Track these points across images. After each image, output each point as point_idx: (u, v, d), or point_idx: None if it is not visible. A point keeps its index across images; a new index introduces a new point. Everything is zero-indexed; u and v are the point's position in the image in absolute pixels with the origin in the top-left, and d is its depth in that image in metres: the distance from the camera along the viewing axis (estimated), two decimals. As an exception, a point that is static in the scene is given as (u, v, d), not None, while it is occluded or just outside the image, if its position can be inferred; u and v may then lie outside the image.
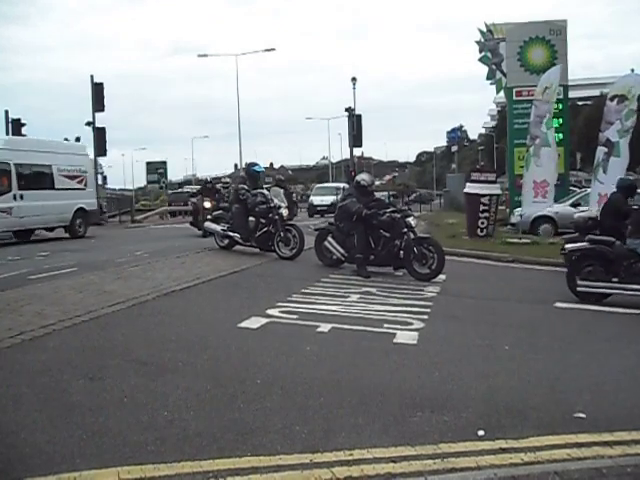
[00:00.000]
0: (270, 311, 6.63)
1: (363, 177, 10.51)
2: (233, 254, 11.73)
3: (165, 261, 10.68)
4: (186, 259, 10.98)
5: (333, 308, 7.00)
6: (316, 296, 7.73)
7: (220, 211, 12.38)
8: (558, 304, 7.87)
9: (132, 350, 5.14)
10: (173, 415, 3.75)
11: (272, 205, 11.19)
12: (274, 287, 8.46)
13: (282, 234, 11.10)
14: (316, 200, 31.79)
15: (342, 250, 9.98)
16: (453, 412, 3.91)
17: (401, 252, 9.51)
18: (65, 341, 5.34)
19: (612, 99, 13.15)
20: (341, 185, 32.52)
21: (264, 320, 6.25)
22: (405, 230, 9.57)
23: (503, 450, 3.37)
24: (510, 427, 3.70)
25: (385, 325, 6.23)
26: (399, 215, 9.72)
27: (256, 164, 12.53)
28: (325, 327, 6.05)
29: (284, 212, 11.33)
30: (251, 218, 11.37)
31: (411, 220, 9.77)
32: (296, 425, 3.63)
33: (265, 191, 11.63)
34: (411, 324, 6.32)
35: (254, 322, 6.15)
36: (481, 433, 3.57)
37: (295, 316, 6.47)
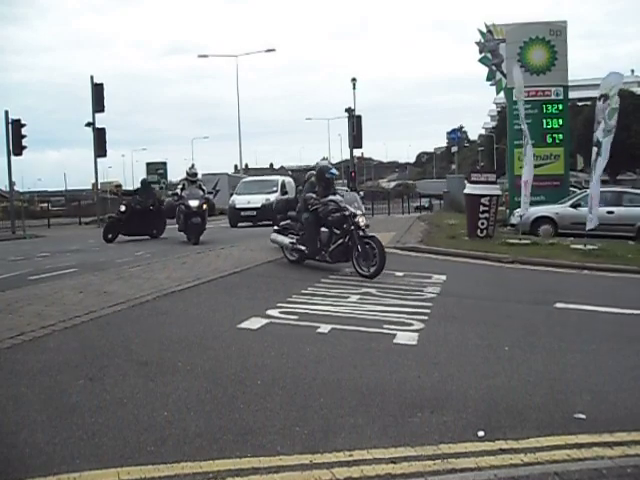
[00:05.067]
0: (270, 312, 6.63)
1: None
2: (233, 255, 11.74)
3: (165, 261, 10.70)
4: (186, 259, 11.00)
5: (333, 309, 7.00)
6: (316, 297, 7.73)
7: (288, 221, 10.78)
8: (558, 304, 7.87)
9: (132, 350, 5.14)
10: (173, 415, 3.75)
11: (347, 214, 9.61)
12: (274, 288, 8.46)
13: (359, 248, 9.43)
14: (240, 202, 23.24)
15: None
16: (453, 412, 3.91)
17: None
18: (65, 341, 5.34)
19: (600, 99, 13.11)
20: (280, 178, 25.98)
21: (264, 321, 6.25)
22: None
23: (503, 451, 3.37)
24: (510, 428, 3.70)
25: (385, 326, 6.22)
26: None
27: (330, 168, 10.71)
28: (325, 328, 6.04)
29: (361, 221, 9.62)
30: (324, 229, 9.95)
31: None
32: (296, 426, 3.63)
33: (338, 197, 10.01)
34: (411, 325, 6.31)
35: (254, 323, 6.15)
36: (481, 434, 3.57)
37: (295, 317, 6.47)
